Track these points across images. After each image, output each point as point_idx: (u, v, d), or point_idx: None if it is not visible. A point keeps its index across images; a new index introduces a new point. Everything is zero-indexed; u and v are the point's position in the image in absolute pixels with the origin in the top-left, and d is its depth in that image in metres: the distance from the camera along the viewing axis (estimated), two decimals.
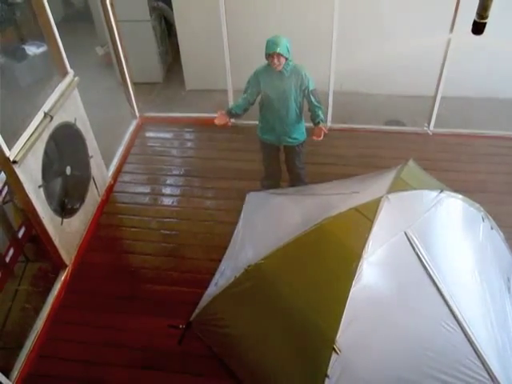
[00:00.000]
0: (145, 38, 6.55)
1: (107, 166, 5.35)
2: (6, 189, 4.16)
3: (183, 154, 5.83)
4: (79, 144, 4.63)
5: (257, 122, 4.50)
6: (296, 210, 4.07)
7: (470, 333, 3.06)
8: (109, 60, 6.44)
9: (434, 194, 3.54)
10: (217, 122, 4.24)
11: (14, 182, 3.72)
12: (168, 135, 6.10)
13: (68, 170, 4.41)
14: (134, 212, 5.09)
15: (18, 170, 3.64)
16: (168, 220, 4.99)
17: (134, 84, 6.00)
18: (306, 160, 4.83)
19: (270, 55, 3.97)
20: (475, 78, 5.80)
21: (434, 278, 3.16)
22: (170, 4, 6.30)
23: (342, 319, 3.01)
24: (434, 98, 5.57)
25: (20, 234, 4.33)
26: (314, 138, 4.09)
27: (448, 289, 3.16)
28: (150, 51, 6.69)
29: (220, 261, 4.30)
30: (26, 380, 3.79)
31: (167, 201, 5.22)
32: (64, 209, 4.41)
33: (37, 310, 4.13)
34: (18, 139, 3.68)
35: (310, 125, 4.30)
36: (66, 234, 4.38)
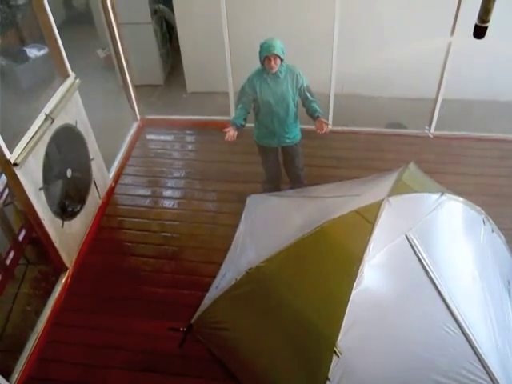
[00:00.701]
0: (146, 40, 6.56)
1: (108, 168, 5.35)
2: (6, 191, 4.16)
3: (184, 157, 5.83)
4: (80, 146, 4.63)
5: (251, 125, 4.48)
6: (297, 213, 4.06)
7: (470, 336, 3.05)
8: (110, 62, 6.44)
9: (435, 196, 3.53)
10: (230, 139, 4.21)
11: (14, 184, 3.72)
12: (169, 137, 6.10)
13: (69, 173, 4.41)
14: (135, 214, 5.09)
15: (18, 172, 3.64)
16: (169, 222, 4.99)
17: (135, 86, 6.00)
18: (307, 162, 4.83)
19: (267, 57, 3.98)
20: (476, 81, 5.80)
21: (435, 280, 3.16)
22: (171, 6, 6.31)
23: (343, 322, 3.01)
24: (435, 100, 5.57)
25: (20, 237, 4.33)
26: (319, 131, 4.17)
27: (449, 292, 3.15)
28: (151, 54, 6.70)
29: (221, 264, 4.30)
30: (26, 383, 3.78)
31: (168, 203, 5.22)
32: (65, 211, 4.41)
33: (37, 313, 4.13)
34: (19, 141, 3.69)
35: (303, 126, 4.38)
36: (66, 236, 4.38)
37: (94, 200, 4.92)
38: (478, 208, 3.79)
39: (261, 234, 4.20)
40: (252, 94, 4.21)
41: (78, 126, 4.49)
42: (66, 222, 4.37)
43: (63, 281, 4.38)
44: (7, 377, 3.64)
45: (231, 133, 4.17)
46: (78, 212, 4.62)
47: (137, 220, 5.03)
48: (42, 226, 4.00)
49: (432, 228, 3.46)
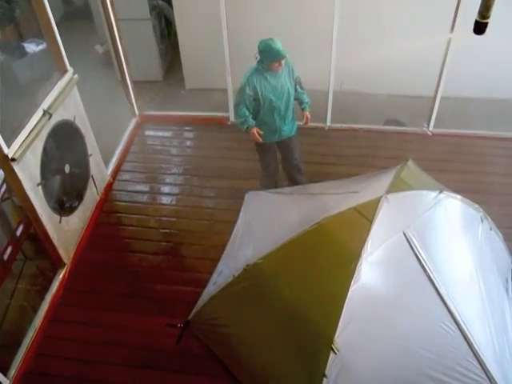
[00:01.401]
0: (145, 36, 6.53)
1: (106, 164, 5.34)
2: (4, 186, 4.14)
3: (182, 153, 5.82)
4: (78, 142, 4.62)
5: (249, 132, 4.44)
6: (295, 210, 4.06)
7: (468, 333, 3.05)
8: (108, 58, 6.42)
9: (433, 194, 3.54)
10: (259, 139, 4.27)
11: (12, 179, 3.71)
12: (167, 134, 6.09)
13: (67, 168, 4.40)
14: (133, 210, 5.09)
15: (16, 167, 3.64)
16: (167, 219, 4.99)
17: (134, 82, 6.00)
18: (306, 159, 4.83)
19: (277, 61, 4.01)
20: (475, 79, 5.79)
21: (433, 278, 3.16)
22: (170, 2, 6.29)
23: (341, 319, 3.01)
24: (434, 98, 5.57)
25: (18, 232, 4.31)
26: (307, 125, 4.39)
27: (446, 289, 3.15)
28: (149, 50, 6.68)
29: (219, 260, 4.29)
30: (24, 378, 3.78)
31: (166, 199, 5.21)
32: (63, 207, 4.40)
33: (35, 309, 4.12)
34: (16, 137, 3.68)
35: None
36: (64, 232, 4.38)
37: (91, 196, 4.91)
38: (476, 206, 3.80)
39: (259, 231, 4.20)
40: (253, 95, 4.20)
41: (76, 122, 4.48)
42: (63, 218, 4.36)
43: (61, 276, 4.38)
44: (5, 372, 3.65)
45: (257, 136, 4.24)
46: (76, 208, 4.61)
47: (135, 216, 5.03)
48: (40, 222, 4.00)
49: (430, 225, 3.46)
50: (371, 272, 3.14)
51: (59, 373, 3.84)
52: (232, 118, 6.02)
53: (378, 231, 3.20)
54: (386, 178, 3.68)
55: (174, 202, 5.18)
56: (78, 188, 4.68)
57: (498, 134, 5.72)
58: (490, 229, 3.86)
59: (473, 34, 2.85)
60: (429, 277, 3.17)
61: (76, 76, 4.40)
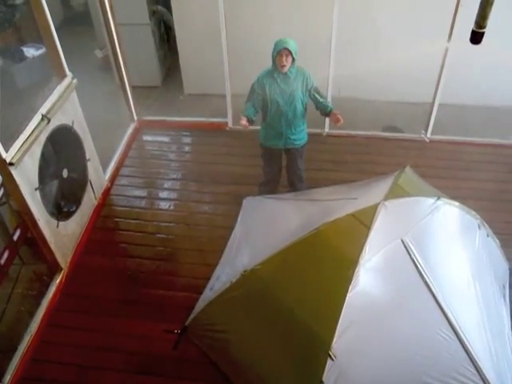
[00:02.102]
0: (144, 41, 6.55)
1: (104, 169, 5.34)
2: (1, 191, 4.14)
3: (180, 158, 5.82)
4: (76, 147, 4.62)
5: (251, 128, 4.45)
6: (293, 216, 4.07)
7: (465, 340, 3.06)
8: (107, 63, 6.44)
9: (430, 201, 3.54)
10: (243, 126, 4.17)
11: (10, 184, 3.70)
12: (166, 139, 6.10)
13: (65, 173, 4.40)
14: (131, 215, 5.08)
15: (14, 172, 3.63)
16: (164, 224, 4.98)
17: (133, 87, 6.00)
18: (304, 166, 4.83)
19: (279, 52, 3.99)
20: (472, 86, 5.82)
21: (430, 285, 3.16)
22: (169, 8, 6.31)
23: (338, 325, 3.01)
24: (432, 105, 5.59)
25: (15, 237, 4.31)
26: (338, 124, 4.20)
27: (444, 296, 3.16)
28: (148, 55, 6.69)
29: (216, 265, 4.29)
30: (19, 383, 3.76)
31: (164, 205, 5.21)
32: (60, 211, 4.40)
33: (31, 313, 4.10)
34: (14, 141, 3.67)
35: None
36: (61, 236, 4.37)
37: (89, 201, 4.91)
38: (474, 212, 3.81)
39: (256, 237, 4.20)
40: (261, 94, 4.21)
41: (75, 127, 4.49)
42: (61, 223, 4.35)
43: (58, 281, 4.37)
44: (0, 377, 3.62)
45: (243, 122, 4.15)
46: (74, 212, 4.61)
47: (132, 221, 5.02)
48: (37, 226, 3.99)
49: (427, 232, 3.47)
50: (369, 278, 3.14)
51: (55, 378, 3.82)
52: (230, 123, 6.04)
53: (375, 237, 3.20)
54: (384, 185, 3.68)
55: (171, 208, 5.17)
56: (75, 193, 4.68)
57: (496, 141, 5.74)
58: (487, 235, 3.87)
59: (469, 43, 2.86)
60: (426, 283, 3.17)
61: (75, 81, 4.41)
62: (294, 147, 4.51)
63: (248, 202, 4.77)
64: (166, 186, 5.44)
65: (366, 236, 3.19)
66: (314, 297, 3.26)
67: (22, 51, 6.19)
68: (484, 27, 2.71)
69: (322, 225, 3.40)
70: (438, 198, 3.56)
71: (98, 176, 5.09)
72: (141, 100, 6.32)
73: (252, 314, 3.52)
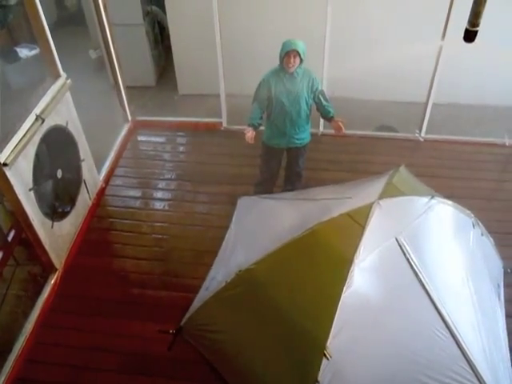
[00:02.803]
0: (138, 41, 6.54)
1: (99, 169, 5.33)
2: None
3: (175, 158, 5.82)
4: (71, 147, 4.61)
5: (246, 127, 4.42)
6: (288, 215, 4.07)
7: (459, 338, 3.07)
8: (101, 63, 6.42)
9: (424, 200, 3.56)
10: (250, 140, 4.16)
11: (4, 184, 3.69)
12: (160, 139, 6.09)
13: (59, 173, 4.39)
14: (126, 216, 5.07)
15: (8, 172, 3.62)
16: (159, 224, 4.98)
17: (127, 88, 5.98)
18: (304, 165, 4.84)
19: (288, 53, 4.00)
20: (466, 86, 5.84)
21: (425, 283, 3.18)
22: (163, 8, 6.30)
23: (333, 324, 3.01)
24: (426, 104, 5.61)
25: (9, 237, 4.28)
26: (336, 131, 4.27)
27: (438, 295, 3.17)
28: (143, 55, 6.68)
29: (211, 265, 4.29)
30: None
31: (159, 205, 5.20)
32: (55, 212, 4.39)
33: (26, 314, 4.09)
34: (8, 142, 3.66)
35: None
36: (56, 237, 4.35)
37: (84, 201, 4.90)
38: (468, 211, 3.82)
39: (251, 236, 4.20)
40: (267, 93, 4.22)
41: (69, 127, 4.47)
42: (55, 223, 4.34)
43: (52, 282, 4.35)
44: None
45: (250, 134, 4.16)
46: (68, 213, 4.60)
47: (127, 221, 5.02)
48: (32, 227, 3.98)
49: (422, 231, 3.48)
50: (364, 277, 3.15)
51: (50, 379, 3.81)
52: (225, 123, 6.04)
53: (370, 237, 3.21)
54: (379, 184, 3.69)
55: (166, 208, 5.17)
56: (70, 193, 4.66)
57: (489, 139, 5.76)
58: (482, 234, 3.89)
59: (463, 41, 2.87)
60: (421, 282, 3.18)
61: (69, 81, 4.40)
62: (297, 146, 4.53)
63: (243, 202, 4.77)
64: (160, 186, 5.44)
65: (361, 235, 3.20)
66: (309, 296, 3.26)
67: (15, 52, 6.15)
68: (477, 26, 2.72)
69: (316, 224, 3.41)
70: (433, 197, 3.58)
71: (93, 176, 5.08)
72: (135, 100, 6.30)
73: (247, 314, 3.52)
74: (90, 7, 5.75)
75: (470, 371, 3.03)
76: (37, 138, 3.99)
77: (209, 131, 6.09)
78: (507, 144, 5.74)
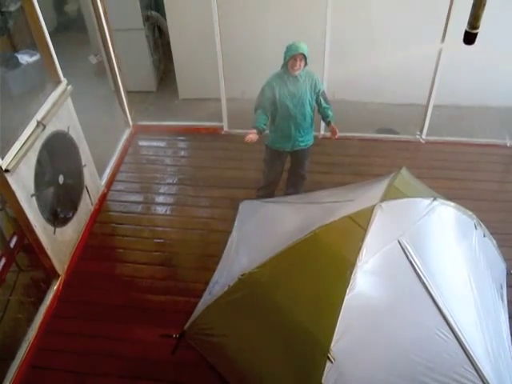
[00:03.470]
0: (138, 46, 6.56)
1: (100, 174, 5.33)
2: None
3: (176, 163, 5.82)
4: (72, 153, 4.61)
5: (247, 131, 4.40)
6: (290, 219, 4.07)
7: (463, 341, 3.06)
8: (102, 69, 6.43)
9: (426, 201, 3.55)
10: (250, 140, 4.16)
11: (6, 190, 3.69)
12: (161, 144, 6.10)
13: (61, 179, 4.39)
14: (127, 221, 5.07)
15: (10, 178, 3.62)
16: (161, 229, 4.98)
17: (128, 93, 6.00)
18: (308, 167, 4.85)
19: (294, 57, 4.01)
20: (467, 87, 5.84)
21: (428, 286, 3.17)
22: (163, 13, 6.32)
23: (337, 327, 3.01)
24: (427, 106, 5.61)
25: (12, 243, 4.29)
26: (334, 136, 4.32)
27: (441, 297, 3.16)
28: (143, 60, 6.70)
29: (214, 270, 4.28)
30: None
31: (160, 209, 5.21)
32: (57, 218, 4.39)
33: (29, 320, 4.09)
34: (10, 148, 3.67)
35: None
36: (58, 243, 4.36)
37: (86, 206, 4.90)
38: (470, 213, 3.82)
39: (254, 240, 4.20)
40: (271, 98, 4.22)
41: (70, 133, 4.48)
42: (57, 229, 4.34)
43: (55, 288, 4.35)
44: None
45: (251, 136, 4.15)
46: (70, 219, 4.60)
47: (129, 226, 5.02)
48: (34, 233, 3.98)
49: (424, 233, 3.47)
50: (366, 280, 3.14)
51: None
52: (226, 127, 6.04)
53: (372, 239, 3.20)
54: (380, 186, 3.69)
55: (168, 212, 5.17)
56: (72, 199, 4.67)
57: (491, 141, 5.76)
58: (484, 235, 3.88)
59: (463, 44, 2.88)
60: (424, 284, 3.17)
61: (70, 87, 4.41)
62: (302, 148, 4.53)
63: (245, 206, 4.77)
64: (162, 190, 5.44)
65: (363, 238, 3.19)
66: (312, 299, 3.26)
67: (16, 58, 6.18)
68: (477, 28, 2.73)
69: (318, 227, 3.41)
70: (435, 199, 3.57)
71: (94, 182, 5.08)
72: (136, 105, 6.33)
73: (250, 317, 3.52)
74: (90, 13, 5.76)
75: (475, 373, 3.02)
76: (38, 144, 4.00)
77: (210, 135, 6.10)
78: (508, 145, 5.75)
